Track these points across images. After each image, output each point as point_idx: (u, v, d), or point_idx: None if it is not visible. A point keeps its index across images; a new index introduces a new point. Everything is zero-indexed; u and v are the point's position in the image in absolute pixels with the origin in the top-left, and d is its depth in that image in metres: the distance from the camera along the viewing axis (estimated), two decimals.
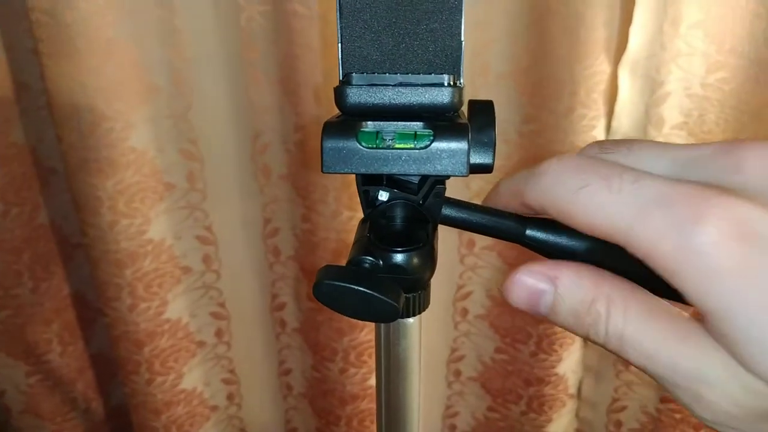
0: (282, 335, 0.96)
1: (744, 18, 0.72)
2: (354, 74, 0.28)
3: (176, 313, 0.88)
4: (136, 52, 0.73)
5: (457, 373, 1.03)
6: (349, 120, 0.27)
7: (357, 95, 0.28)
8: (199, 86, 0.78)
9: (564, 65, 0.74)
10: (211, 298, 0.90)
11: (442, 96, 0.28)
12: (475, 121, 0.29)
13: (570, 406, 1.00)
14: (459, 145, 0.26)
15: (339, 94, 0.28)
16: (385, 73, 0.28)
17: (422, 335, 0.88)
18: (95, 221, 0.77)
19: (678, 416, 0.92)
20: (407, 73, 0.28)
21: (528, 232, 0.27)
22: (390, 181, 0.29)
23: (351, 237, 0.73)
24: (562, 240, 0.27)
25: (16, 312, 0.89)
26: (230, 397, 1.00)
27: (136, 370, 0.88)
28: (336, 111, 0.30)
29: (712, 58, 0.75)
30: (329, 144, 0.27)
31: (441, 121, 0.27)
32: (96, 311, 0.99)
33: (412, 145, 0.27)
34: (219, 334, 0.94)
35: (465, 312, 0.97)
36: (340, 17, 0.27)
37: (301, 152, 0.78)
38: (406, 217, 0.29)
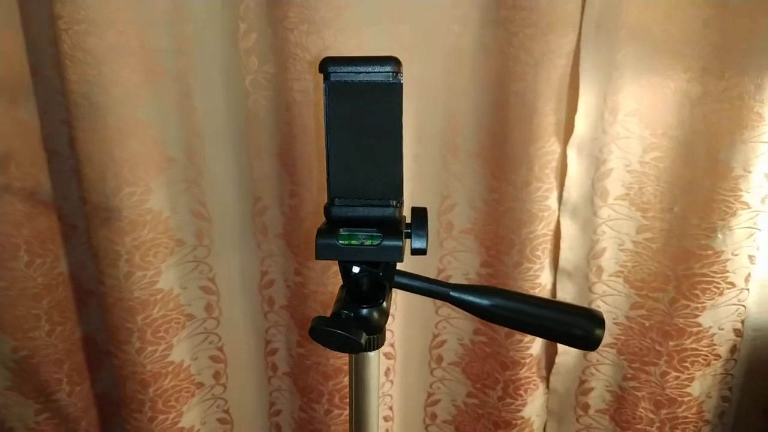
0: (273, 378, 1.05)
1: (672, 107, 0.86)
2: (336, 198, 0.44)
3: (179, 356, 0.97)
4: (157, 129, 0.86)
5: (433, 417, 1.12)
6: (332, 227, 0.44)
7: (338, 212, 0.44)
8: (209, 157, 0.91)
9: (520, 145, 0.87)
10: (211, 343, 1.00)
11: (389, 212, 0.43)
12: (414, 221, 0.43)
13: None
14: (396, 243, 0.42)
15: (326, 210, 0.45)
16: (355, 199, 0.43)
17: (401, 380, 1.00)
18: (112, 272, 0.88)
19: None
20: (369, 199, 0.43)
21: (451, 293, 0.41)
22: (360, 261, 0.42)
23: (337, 289, 0.86)
24: (474, 298, 0.40)
25: (32, 353, 0.98)
26: None
27: (140, 409, 0.97)
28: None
29: (648, 140, 0.89)
30: (320, 241, 0.43)
31: (388, 227, 0.43)
32: (103, 353, 1.08)
33: (370, 243, 0.41)
34: (217, 376, 1.03)
35: (440, 359, 1.07)
36: (328, 164, 0.43)
37: (296, 215, 0.90)
38: (370, 283, 0.42)
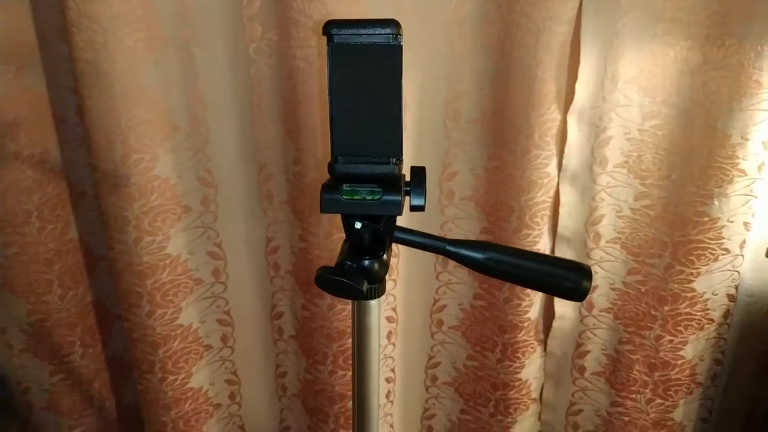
0: (279, 341, 1.08)
1: (672, 75, 0.87)
2: (339, 156, 0.46)
3: (188, 319, 1.00)
4: (162, 97, 0.87)
5: (434, 378, 1.16)
6: (335, 183, 0.47)
7: (341, 169, 0.46)
8: (214, 125, 0.92)
9: (521, 113, 0.88)
10: (219, 307, 1.03)
11: (389, 169, 0.46)
12: (413, 179, 0.46)
13: (533, 409, 1.12)
14: (395, 198, 0.45)
15: (330, 167, 0.47)
16: (357, 156, 0.46)
17: (403, 344, 1.03)
18: (122, 237, 0.90)
19: (626, 419, 1.05)
20: (370, 156, 0.46)
21: (448, 247, 0.43)
22: (362, 217, 0.46)
23: None
24: (469, 252, 0.43)
25: (46, 317, 1.02)
26: (232, 396, 1.12)
27: (150, 370, 1.00)
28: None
29: (647, 108, 0.90)
30: (325, 196, 0.45)
31: (388, 183, 0.46)
32: (114, 317, 1.11)
33: (371, 198, 0.44)
34: (224, 339, 1.06)
35: (441, 323, 1.10)
36: (331, 123, 0.45)
37: (300, 182, 0.92)
38: (371, 238, 0.45)
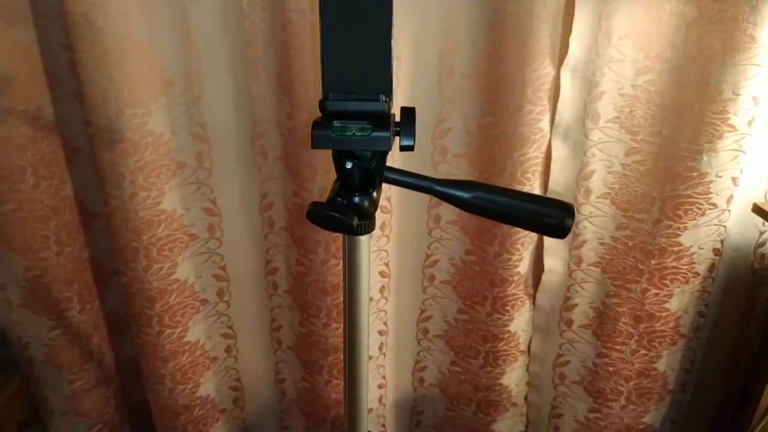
0: (274, 296, 1.10)
1: (667, 30, 0.87)
2: (330, 93, 0.47)
3: (184, 274, 1.02)
4: (155, 51, 0.86)
5: (425, 332, 1.19)
6: (326, 120, 0.47)
7: (332, 106, 0.47)
8: (207, 80, 0.92)
9: (515, 68, 0.89)
10: (214, 263, 1.05)
11: (379, 107, 0.47)
12: (403, 120, 0.46)
13: (521, 360, 1.16)
14: (385, 134, 0.46)
15: (321, 104, 0.48)
16: (347, 93, 0.46)
17: (395, 298, 1.05)
18: (117, 193, 0.91)
19: (611, 369, 1.09)
20: (360, 93, 0.46)
21: (436, 186, 0.45)
22: (352, 156, 0.47)
23: None
24: (456, 192, 0.44)
25: (43, 273, 1.03)
26: (228, 350, 1.14)
27: (148, 323, 1.02)
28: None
29: (641, 63, 0.90)
30: (315, 133, 0.46)
31: (377, 120, 0.47)
32: (110, 274, 1.12)
33: (361, 134, 0.45)
34: (220, 293, 1.08)
35: (432, 278, 1.12)
36: (322, 61, 0.45)
37: (294, 137, 0.92)
38: (361, 177, 0.47)
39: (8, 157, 0.93)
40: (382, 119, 0.47)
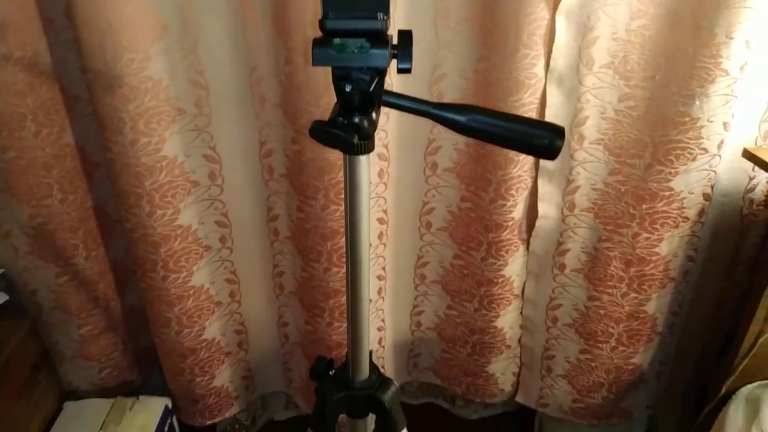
0: (276, 242, 1.13)
1: None
2: (329, 12, 0.48)
3: (187, 220, 1.04)
4: None
5: (423, 277, 1.22)
6: (326, 38, 0.49)
7: (331, 24, 0.48)
8: (204, 25, 0.92)
9: (510, 11, 0.89)
10: (216, 209, 1.07)
11: (377, 25, 0.48)
12: (401, 42, 0.48)
13: (515, 304, 1.20)
14: (383, 51, 0.48)
15: (321, 23, 0.49)
16: (346, 11, 0.48)
17: (394, 245, 1.08)
18: (119, 139, 0.92)
19: (602, 312, 1.13)
20: (359, 11, 0.48)
21: (433, 110, 0.47)
22: (351, 80, 0.49)
23: (333, 156, 0.91)
24: (452, 115, 0.46)
25: (48, 220, 1.05)
26: (232, 294, 1.18)
27: (153, 268, 1.05)
28: None
29: (635, 7, 0.90)
30: (316, 50, 0.48)
31: (376, 38, 0.48)
32: (114, 222, 1.15)
33: (359, 51, 0.48)
34: (223, 240, 1.10)
35: (429, 225, 1.15)
36: None
37: (291, 82, 0.93)
38: (361, 99, 0.50)
39: (8, 104, 0.94)
40: (380, 37, 0.48)
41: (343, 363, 0.73)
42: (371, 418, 0.76)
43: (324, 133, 0.49)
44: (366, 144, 0.54)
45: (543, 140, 0.49)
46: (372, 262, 1.12)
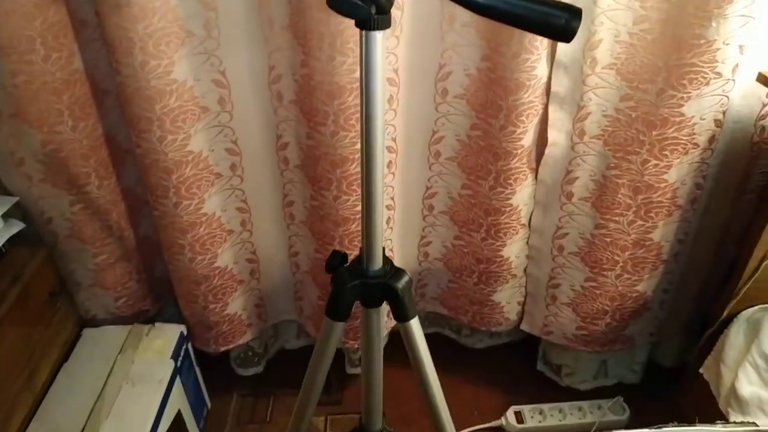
0: (286, 171, 1.14)
1: None
2: None
3: (198, 146, 1.04)
4: None
5: (431, 208, 1.23)
6: None
7: None
8: None
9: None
10: (226, 136, 1.07)
11: None
12: None
13: (522, 234, 1.21)
14: None
15: None
16: None
17: (402, 174, 1.08)
18: (128, 61, 0.92)
19: (608, 240, 1.14)
20: None
21: None
22: None
23: (343, 80, 0.91)
24: None
25: (60, 147, 1.06)
26: (243, 223, 1.19)
27: (165, 195, 1.06)
28: None
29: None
30: None
31: None
32: (125, 152, 1.15)
33: None
34: (233, 168, 1.11)
35: (438, 154, 1.15)
36: None
37: (300, 2, 0.92)
38: None
39: (16, 27, 0.93)
40: None
41: (357, 256, 0.74)
42: (384, 309, 0.79)
43: (341, 1, 0.50)
44: (382, 19, 0.54)
45: (560, 20, 0.49)
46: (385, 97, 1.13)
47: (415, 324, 0.76)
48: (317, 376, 0.81)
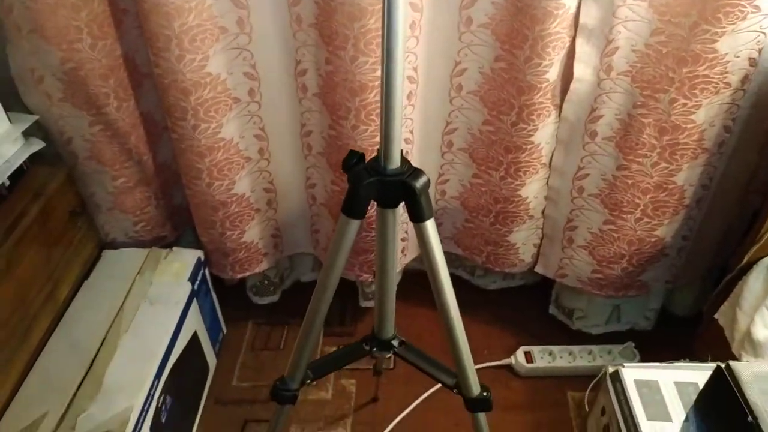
0: (304, 99, 1.12)
1: None
2: None
3: (216, 68, 1.03)
4: None
5: (450, 144, 1.22)
6: None
7: None
8: None
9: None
10: (245, 59, 1.05)
11: None
12: None
13: (542, 173, 1.19)
14: None
15: None
16: None
17: (422, 106, 1.08)
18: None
19: (630, 182, 1.12)
20: None
21: None
22: None
23: (365, 2, 0.87)
24: None
25: (79, 65, 1.05)
26: (261, 151, 1.19)
27: (183, 117, 1.06)
28: None
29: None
30: None
31: None
32: (144, 76, 1.15)
33: None
34: (251, 93, 1.10)
35: (460, 87, 1.13)
36: None
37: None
38: None
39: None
40: None
41: (375, 156, 0.73)
42: (401, 210, 0.77)
43: None
44: None
45: None
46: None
47: (430, 225, 0.74)
48: (331, 274, 0.79)
